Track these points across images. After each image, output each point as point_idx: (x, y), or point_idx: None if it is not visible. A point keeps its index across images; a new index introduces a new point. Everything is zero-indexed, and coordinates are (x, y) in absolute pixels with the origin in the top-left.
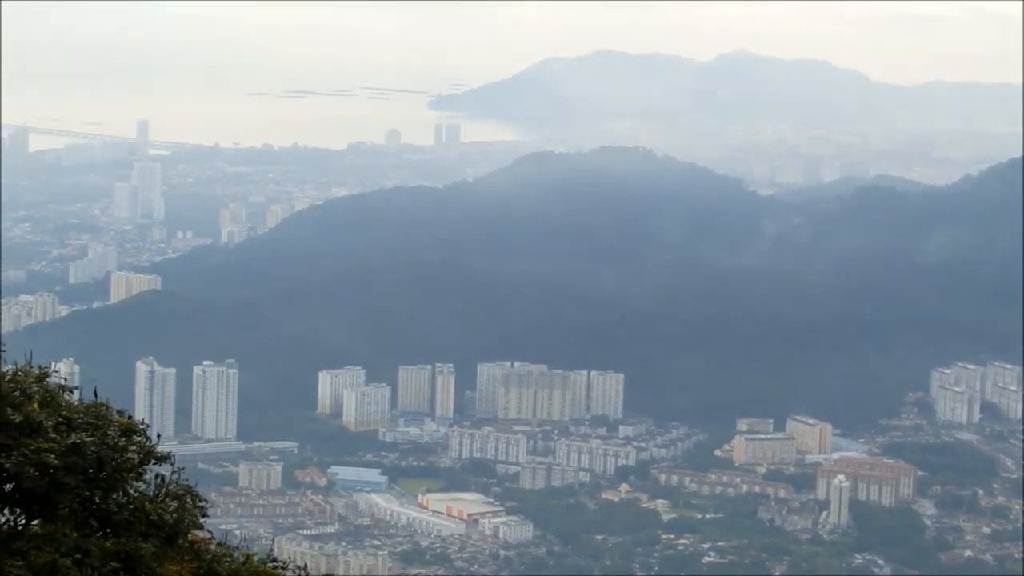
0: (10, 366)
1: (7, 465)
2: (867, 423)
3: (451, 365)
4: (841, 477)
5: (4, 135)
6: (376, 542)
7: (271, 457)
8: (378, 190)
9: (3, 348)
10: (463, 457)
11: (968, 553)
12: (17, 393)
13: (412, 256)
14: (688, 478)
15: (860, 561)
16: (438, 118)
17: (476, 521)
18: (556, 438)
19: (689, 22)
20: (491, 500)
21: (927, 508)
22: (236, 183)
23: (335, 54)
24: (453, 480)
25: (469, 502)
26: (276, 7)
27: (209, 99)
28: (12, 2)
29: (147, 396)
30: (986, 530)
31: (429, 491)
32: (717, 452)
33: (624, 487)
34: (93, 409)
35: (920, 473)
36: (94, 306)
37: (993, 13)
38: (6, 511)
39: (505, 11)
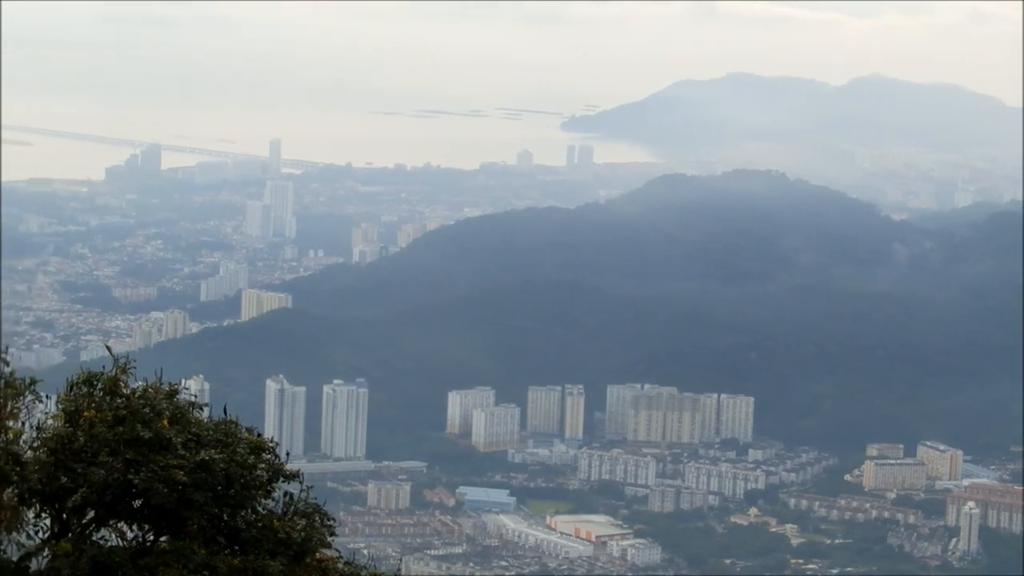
0: (140, 383)
1: (136, 481)
2: (998, 449)
3: (581, 386)
4: (971, 504)
5: (137, 152)
6: (504, 563)
7: (400, 477)
8: (510, 211)
9: (134, 364)
10: (592, 479)
11: None
12: (147, 410)
13: (543, 277)
14: (817, 503)
15: None
16: (571, 139)
17: (604, 543)
18: (685, 461)
19: (824, 45)
20: (619, 522)
21: None
22: (368, 202)
23: (469, 75)
24: (582, 502)
25: (597, 524)
26: (410, 28)
27: (342, 118)
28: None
29: (277, 414)
30: None
31: (557, 512)
32: (847, 477)
33: (753, 511)
34: (223, 426)
35: None
36: (225, 324)
37: None
38: (135, 527)
39: (640, 33)
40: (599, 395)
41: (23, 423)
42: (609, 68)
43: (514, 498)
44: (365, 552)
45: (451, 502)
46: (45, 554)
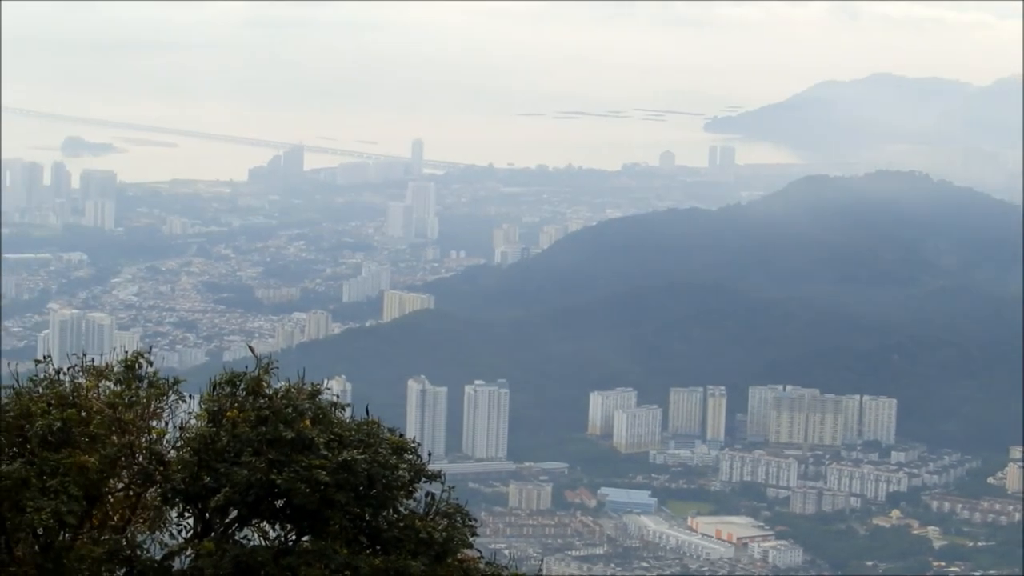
0: (283, 383)
1: (279, 481)
2: None
3: (723, 388)
4: None
5: (280, 154)
6: (645, 564)
7: (541, 477)
8: (651, 212)
9: (276, 365)
10: (733, 480)
11: None
12: (290, 410)
13: (685, 278)
14: (960, 505)
15: None
16: (713, 140)
17: (745, 545)
18: (827, 463)
19: (968, 46)
20: (761, 524)
21: None
22: (510, 203)
23: (611, 75)
24: (723, 503)
25: (739, 525)
26: (554, 29)
27: (483, 119)
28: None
29: (418, 414)
30: None
31: (699, 514)
32: (990, 479)
33: (895, 513)
34: (365, 427)
35: None
36: (367, 324)
37: None
38: (277, 527)
39: (783, 34)
40: (740, 396)
41: (166, 423)
42: (752, 69)
43: (655, 499)
44: (506, 552)
45: (592, 503)
46: (188, 553)
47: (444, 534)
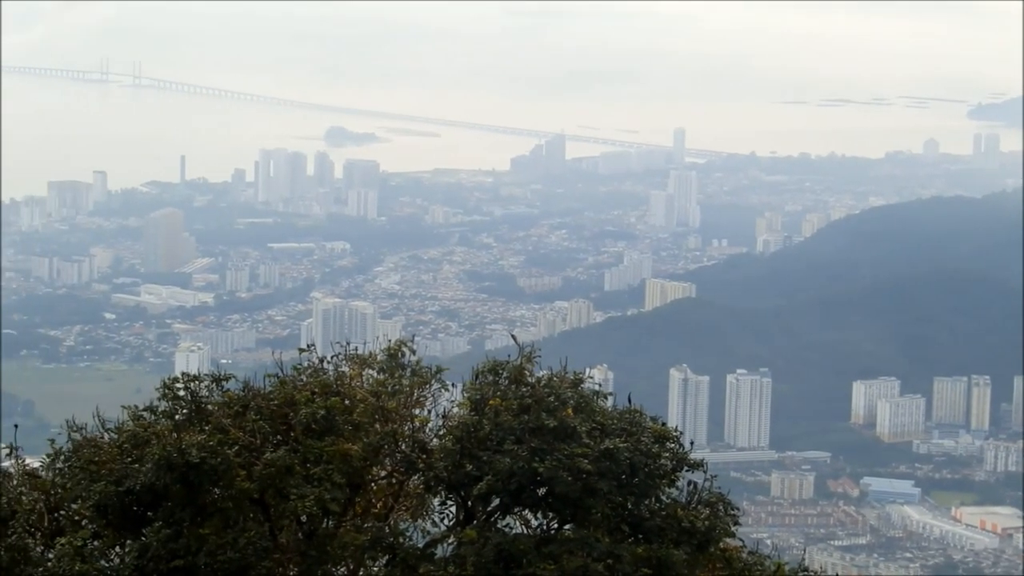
0: (545, 371)
1: (541, 470)
2: None
3: (987, 377)
4: None
5: (542, 143)
6: (908, 554)
7: (803, 467)
8: (915, 200)
9: (539, 353)
10: (998, 471)
11: None
12: (552, 398)
13: (949, 266)
14: None
15: None
16: (977, 127)
17: (1010, 536)
18: None
19: None
20: None
21: None
22: (772, 192)
23: (874, 63)
24: (987, 494)
25: (1004, 516)
26: (816, 16)
27: (745, 108)
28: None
29: (680, 403)
30: None
31: (963, 504)
32: None
33: None
34: (627, 415)
35: None
36: (628, 313)
37: None
38: (539, 515)
39: None
40: (1006, 386)
41: (429, 411)
42: (1015, 56)
43: (919, 489)
44: (768, 542)
45: (855, 493)
46: (450, 541)
47: (706, 523)
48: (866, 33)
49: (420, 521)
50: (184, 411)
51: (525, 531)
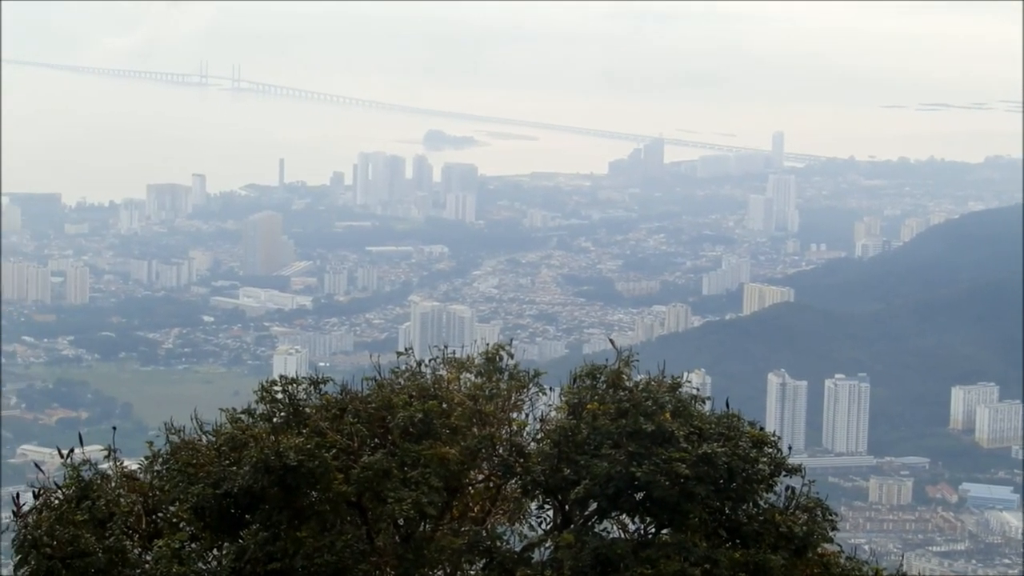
0: (643, 376)
1: (639, 474)
2: None
3: None
4: None
5: (640, 147)
6: (1007, 561)
7: (902, 472)
8: (1015, 205)
9: (636, 358)
10: None
11: None
12: (650, 403)
13: None
14: None
15: None
16: None
17: None
18: None
19: None
20: None
21: None
22: (871, 196)
23: (974, 67)
24: None
25: None
26: (916, 19)
27: (844, 112)
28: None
29: (778, 408)
30: None
31: None
32: None
33: None
34: (725, 420)
35: None
36: (726, 317)
37: None
38: (636, 520)
39: None
40: None
41: (527, 415)
42: None
43: (1018, 495)
44: (866, 548)
45: (954, 498)
46: (547, 545)
47: (804, 528)
48: (968, 36)
49: (517, 525)
50: (282, 414)
51: (622, 535)
